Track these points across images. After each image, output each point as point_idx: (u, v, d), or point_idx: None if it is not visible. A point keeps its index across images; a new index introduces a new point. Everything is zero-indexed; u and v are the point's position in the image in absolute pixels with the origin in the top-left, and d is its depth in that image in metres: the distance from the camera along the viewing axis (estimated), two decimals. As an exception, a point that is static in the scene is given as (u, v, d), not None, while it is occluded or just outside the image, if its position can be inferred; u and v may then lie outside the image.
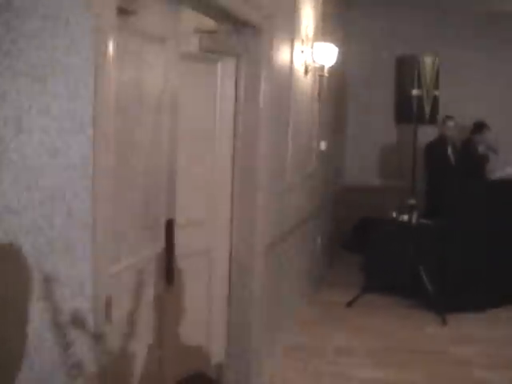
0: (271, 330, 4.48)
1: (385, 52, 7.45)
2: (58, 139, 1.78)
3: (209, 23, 3.66)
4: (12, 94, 1.55)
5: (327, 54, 5.58)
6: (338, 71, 6.70)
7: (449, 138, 7.13)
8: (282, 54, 4.42)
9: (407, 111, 5.84)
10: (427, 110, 5.77)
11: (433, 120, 5.88)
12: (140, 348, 2.64)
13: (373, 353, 4.85)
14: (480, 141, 7.30)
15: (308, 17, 5.28)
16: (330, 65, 5.80)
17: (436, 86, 5.83)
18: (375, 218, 6.92)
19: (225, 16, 3.51)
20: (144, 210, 2.65)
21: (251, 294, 3.97)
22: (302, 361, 4.65)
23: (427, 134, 6.65)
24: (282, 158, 4.59)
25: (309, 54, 5.33)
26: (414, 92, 5.74)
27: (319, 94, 5.89)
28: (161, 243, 2.79)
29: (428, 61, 5.78)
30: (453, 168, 7.06)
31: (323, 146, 6.45)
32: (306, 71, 5.28)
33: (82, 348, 1.98)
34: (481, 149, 7.25)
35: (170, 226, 2.82)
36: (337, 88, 6.98)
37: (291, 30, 4.70)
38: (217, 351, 3.97)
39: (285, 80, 4.58)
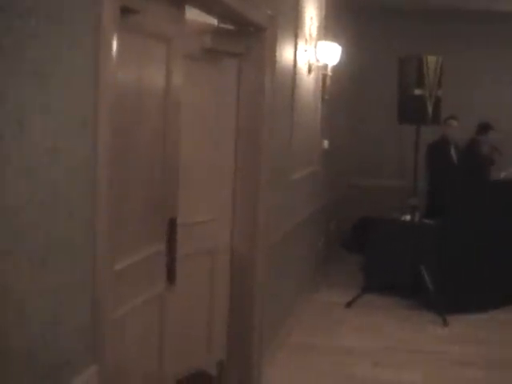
0: (272, 329, 4.49)
1: (388, 51, 7.45)
2: (60, 138, 1.78)
3: (212, 22, 3.66)
4: (14, 93, 1.55)
5: (331, 53, 5.59)
6: (341, 70, 6.69)
7: (451, 138, 7.11)
8: (286, 53, 4.42)
9: (410, 111, 5.83)
10: (430, 110, 5.76)
11: (435, 120, 5.87)
12: (141, 346, 2.65)
13: (373, 353, 4.85)
14: (485, 141, 7.28)
15: (311, 16, 5.28)
16: (334, 64, 5.80)
17: (439, 86, 5.82)
18: (375, 217, 6.91)
19: (228, 15, 3.51)
20: (146, 209, 2.65)
21: (252, 293, 3.97)
22: (302, 360, 4.65)
23: (430, 133, 6.63)
24: (284, 157, 4.59)
25: (312, 53, 5.33)
26: (417, 92, 5.73)
27: (322, 93, 5.89)
28: (163, 242, 2.79)
29: (431, 60, 5.77)
30: (455, 168, 7.05)
31: (326, 144, 6.45)
32: (310, 70, 5.29)
33: (83, 346, 1.98)
34: (485, 149, 7.24)
35: (172, 224, 2.82)
36: (340, 87, 6.98)
37: (294, 29, 4.70)
38: (218, 350, 3.98)
39: (288, 79, 4.58)
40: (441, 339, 5.22)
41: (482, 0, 7.32)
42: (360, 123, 8.35)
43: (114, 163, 2.11)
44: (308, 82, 5.30)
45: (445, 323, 5.49)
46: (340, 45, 5.79)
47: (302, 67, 5.04)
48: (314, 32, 5.36)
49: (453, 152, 7.10)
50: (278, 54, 4.08)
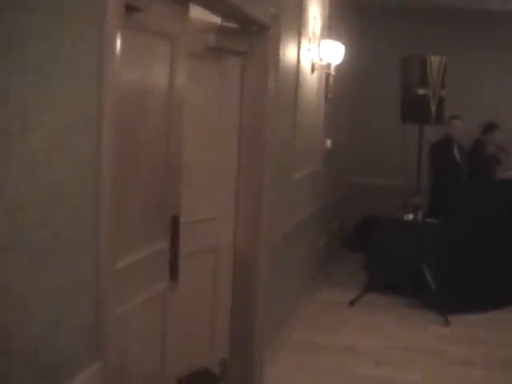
0: (274, 328, 4.49)
1: (391, 51, 7.44)
2: (65, 135, 1.78)
3: (216, 21, 3.66)
4: (18, 91, 1.55)
5: (334, 52, 5.58)
6: (345, 70, 6.69)
7: (454, 138, 7.10)
8: (289, 52, 4.42)
9: (413, 111, 5.83)
10: (433, 109, 5.76)
11: (439, 120, 5.87)
12: (144, 344, 2.65)
13: (374, 351, 4.85)
14: (490, 141, 7.27)
15: (315, 15, 5.28)
16: (337, 63, 5.80)
17: (442, 86, 5.81)
18: (378, 216, 6.91)
19: (232, 13, 3.51)
20: (148, 207, 2.65)
21: (255, 291, 3.97)
22: (304, 358, 4.65)
23: (433, 133, 6.63)
24: (287, 156, 4.59)
25: (316, 52, 5.33)
26: (420, 91, 5.73)
27: (325, 92, 5.89)
28: (165, 240, 2.79)
29: (435, 60, 5.77)
30: (458, 167, 7.05)
31: (329, 143, 6.45)
32: (313, 69, 5.28)
33: (85, 345, 1.98)
34: (490, 149, 7.22)
35: (175, 222, 2.82)
36: (343, 86, 6.97)
37: (298, 28, 4.70)
38: (220, 348, 3.98)
39: (291, 78, 4.58)
40: (442, 339, 5.21)
41: (488, 0, 7.31)
42: (363, 122, 8.34)
43: (117, 161, 2.11)
44: (311, 80, 5.30)
45: (446, 323, 5.49)
46: (343, 44, 5.78)
47: (306, 66, 5.04)
48: (318, 31, 5.35)
49: (456, 151, 7.10)
50: (281, 52, 4.08)
